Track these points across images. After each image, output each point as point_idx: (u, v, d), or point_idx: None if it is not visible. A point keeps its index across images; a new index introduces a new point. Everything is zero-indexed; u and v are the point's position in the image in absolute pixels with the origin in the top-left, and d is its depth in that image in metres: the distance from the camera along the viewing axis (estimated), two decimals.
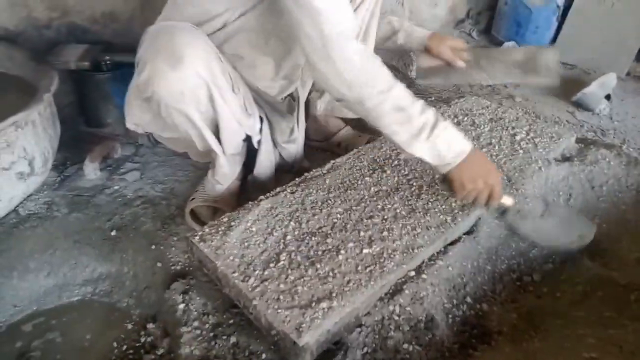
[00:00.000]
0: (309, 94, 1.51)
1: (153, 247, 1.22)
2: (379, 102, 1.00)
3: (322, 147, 1.65)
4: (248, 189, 1.36)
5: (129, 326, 1.11)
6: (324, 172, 1.29)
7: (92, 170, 1.40)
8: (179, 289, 1.10)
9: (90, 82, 1.57)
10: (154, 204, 1.35)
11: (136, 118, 1.21)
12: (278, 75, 1.25)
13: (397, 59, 2.15)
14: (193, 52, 1.00)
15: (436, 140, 1.04)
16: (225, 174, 1.27)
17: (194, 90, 1.03)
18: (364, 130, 1.66)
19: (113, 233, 1.26)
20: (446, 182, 1.14)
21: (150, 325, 1.09)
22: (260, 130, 1.27)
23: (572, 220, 1.27)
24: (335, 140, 1.63)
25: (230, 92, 1.10)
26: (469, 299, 1.08)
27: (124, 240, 1.24)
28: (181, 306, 1.06)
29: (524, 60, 1.51)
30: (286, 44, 1.17)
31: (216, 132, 1.15)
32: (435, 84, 1.57)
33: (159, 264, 1.18)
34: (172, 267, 1.18)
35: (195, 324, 1.03)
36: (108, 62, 1.55)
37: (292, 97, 1.35)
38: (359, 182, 1.25)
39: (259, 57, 1.19)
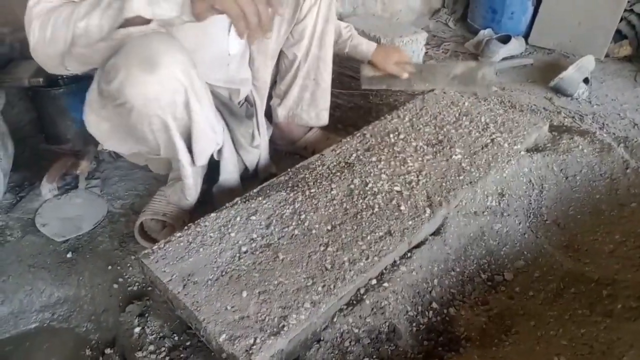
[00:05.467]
0: (269, 100, 1.46)
1: (110, 267, 1.18)
2: None
3: (289, 150, 1.62)
4: (214, 198, 1.31)
5: (88, 352, 1.07)
6: (286, 179, 1.24)
7: (48, 190, 1.35)
8: (135, 311, 1.06)
9: (46, 98, 1.51)
10: (112, 222, 1.31)
11: (93, 129, 1.15)
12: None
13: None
14: (170, 57, 0.93)
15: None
16: (190, 187, 1.21)
17: (172, 95, 0.97)
18: (333, 132, 1.63)
19: (69, 255, 1.21)
20: None
21: (108, 351, 1.05)
22: None
23: None
24: (301, 144, 1.58)
25: (206, 98, 1.05)
26: (435, 305, 1.03)
27: (81, 262, 1.20)
28: (137, 329, 1.03)
29: (463, 73, 1.59)
30: None
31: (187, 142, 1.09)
32: (379, 89, 1.64)
33: (115, 286, 1.14)
34: (129, 288, 1.14)
35: (151, 348, 0.99)
36: (64, 76, 1.50)
37: (249, 102, 1.30)
38: (319, 189, 1.20)
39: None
